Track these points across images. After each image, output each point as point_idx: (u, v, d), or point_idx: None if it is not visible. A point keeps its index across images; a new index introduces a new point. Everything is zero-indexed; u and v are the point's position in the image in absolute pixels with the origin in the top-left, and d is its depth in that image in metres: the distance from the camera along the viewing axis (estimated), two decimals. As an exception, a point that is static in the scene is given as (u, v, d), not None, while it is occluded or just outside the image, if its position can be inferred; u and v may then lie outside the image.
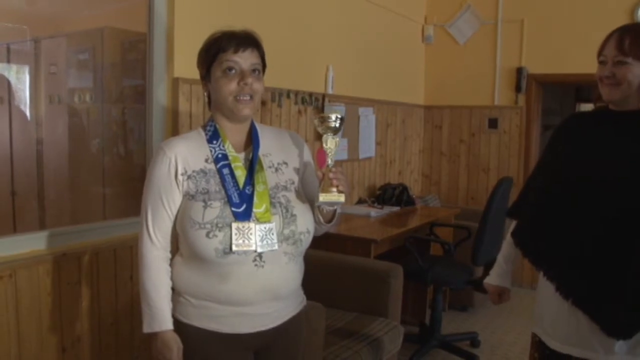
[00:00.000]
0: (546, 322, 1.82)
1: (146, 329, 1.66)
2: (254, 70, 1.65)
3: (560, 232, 1.73)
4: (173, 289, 1.70)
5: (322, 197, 1.60)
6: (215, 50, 1.65)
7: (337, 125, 1.62)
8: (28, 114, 3.74)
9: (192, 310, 1.65)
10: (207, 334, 1.64)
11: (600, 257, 1.64)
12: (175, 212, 1.66)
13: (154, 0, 2.80)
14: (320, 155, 1.64)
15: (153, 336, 1.65)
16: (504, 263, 2.05)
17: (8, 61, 3.71)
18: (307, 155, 1.83)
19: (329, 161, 1.62)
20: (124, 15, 3.39)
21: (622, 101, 1.70)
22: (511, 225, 2.01)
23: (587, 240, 1.67)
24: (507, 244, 2.02)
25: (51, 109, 3.71)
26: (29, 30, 3.72)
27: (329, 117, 1.62)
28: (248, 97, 1.64)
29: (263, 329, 1.67)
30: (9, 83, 3.67)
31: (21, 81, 3.73)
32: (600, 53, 1.72)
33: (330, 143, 1.63)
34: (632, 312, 1.60)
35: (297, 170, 1.77)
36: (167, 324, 1.65)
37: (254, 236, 1.58)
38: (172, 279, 1.69)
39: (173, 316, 1.68)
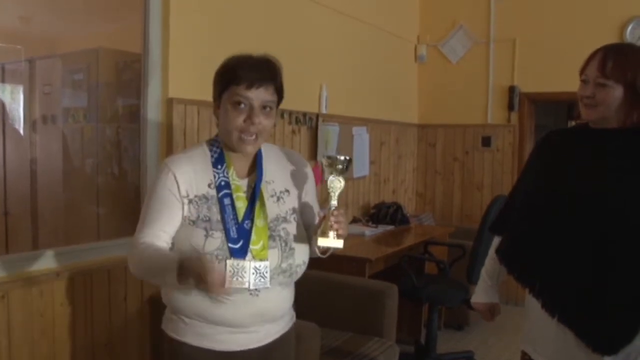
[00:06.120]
0: (534, 339, 1.81)
1: (179, 280, 1.45)
2: (264, 107, 1.61)
3: (543, 248, 1.73)
4: (165, 306, 1.69)
5: (320, 242, 1.58)
6: (228, 79, 1.59)
7: (345, 167, 1.62)
8: (22, 133, 3.74)
9: (184, 328, 1.64)
10: (199, 352, 1.63)
11: (584, 272, 1.64)
12: (172, 230, 1.60)
13: (149, 21, 2.82)
14: (315, 170, 1.64)
15: (186, 275, 1.44)
16: (488, 279, 2.02)
17: (2, 81, 3.72)
18: (310, 180, 1.81)
19: (333, 202, 1.60)
20: (119, 36, 3.42)
21: (601, 121, 1.70)
22: (494, 240, 1.99)
23: (570, 256, 1.67)
24: (491, 260, 2.00)
25: (45, 128, 3.71)
26: (23, 50, 3.73)
27: (337, 159, 1.61)
28: (253, 137, 1.60)
29: (255, 346, 1.66)
30: (3, 103, 3.67)
31: (15, 101, 3.73)
32: (582, 72, 1.72)
33: (336, 184, 1.61)
34: (616, 327, 1.60)
35: (299, 197, 1.76)
36: (176, 259, 1.47)
37: (248, 274, 1.56)
38: (166, 298, 1.68)
39: (166, 334, 1.67)
